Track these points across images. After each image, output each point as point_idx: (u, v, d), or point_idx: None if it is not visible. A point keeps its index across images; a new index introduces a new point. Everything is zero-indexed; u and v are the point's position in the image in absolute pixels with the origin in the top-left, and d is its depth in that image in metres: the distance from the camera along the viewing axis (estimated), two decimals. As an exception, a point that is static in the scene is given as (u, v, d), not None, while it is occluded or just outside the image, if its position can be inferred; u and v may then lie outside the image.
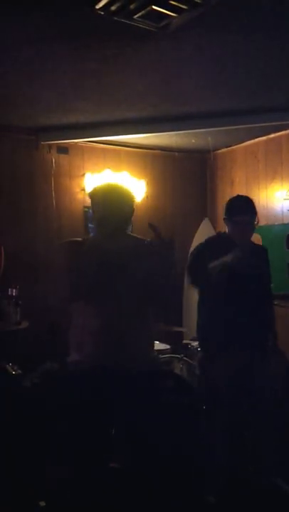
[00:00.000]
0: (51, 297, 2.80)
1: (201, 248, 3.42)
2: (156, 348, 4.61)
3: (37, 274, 4.78)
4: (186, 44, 3.13)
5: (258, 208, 3.33)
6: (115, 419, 2.73)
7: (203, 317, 3.41)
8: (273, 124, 4.76)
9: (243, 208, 3.31)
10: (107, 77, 3.67)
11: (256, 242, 3.69)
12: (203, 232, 5.63)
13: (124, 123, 4.84)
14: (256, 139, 5.55)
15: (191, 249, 5.17)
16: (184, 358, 4.39)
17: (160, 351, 4.56)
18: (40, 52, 3.27)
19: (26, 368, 4.34)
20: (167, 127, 4.85)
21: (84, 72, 3.57)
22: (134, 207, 2.85)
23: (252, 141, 5.62)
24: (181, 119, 4.69)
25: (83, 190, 5.57)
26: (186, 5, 2.55)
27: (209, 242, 3.48)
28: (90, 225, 5.59)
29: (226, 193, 5.61)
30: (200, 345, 3.66)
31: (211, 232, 5.53)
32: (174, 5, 2.55)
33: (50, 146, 5.36)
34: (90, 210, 2.88)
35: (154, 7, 2.56)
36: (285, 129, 5.14)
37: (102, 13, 2.65)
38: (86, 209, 5.60)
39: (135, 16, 2.67)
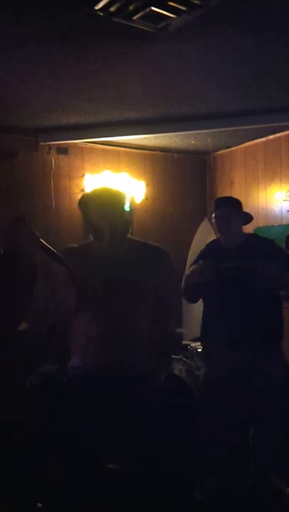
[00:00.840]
0: (57, 307, 2.72)
1: (197, 259, 3.42)
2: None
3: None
4: (185, 45, 3.13)
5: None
6: (114, 425, 2.65)
7: (202, 315, 3.43)
8: (272, 125, 4.77)
9: (219, 202, 3.40)
10: (107, 77, 3.68)
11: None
12: (203, 233, 5.64)
13: (123, 124, 4.84)
14: (256, 141, 5.56)
15: (190, 253, 5.20)
16: (184, 359, 4.39)
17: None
18: (40, 53, 3.27)
19: (25, 370, 4.34)
20: (167, 128, 4.85)
21: (83, 72, 3.58)
22: (130, 207, 2.82)
23: (251, 143, 5.63)
24: (180, 120, 4.69)
25: (83, 191, 5.56)
26: (185, 6, 2.56)
27: (204, 251, 3.50)
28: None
29: (226, 194, 5.60)
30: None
31: (211, 233, 5.53)
32: (173, 6, 2.56)
33: (49, 147, 5.37)
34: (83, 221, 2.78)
35: (153, 8, 2.56)
36: (284, 131, 5.16)
37: (102, 14, 2.65)
38: (86, 210, 5.62)
39: (134, 17, 2.67)
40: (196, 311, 3.53)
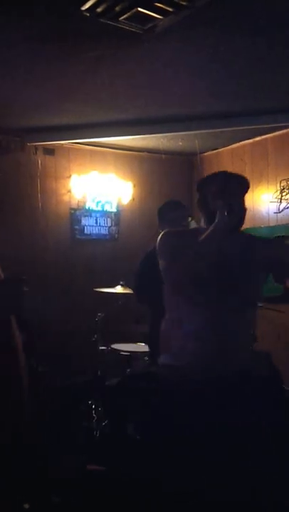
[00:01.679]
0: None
1: None
2: (141, 349, 4.64)
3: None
4: (172, 46, 3.13)
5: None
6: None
7: None
8: (259, 127, 4.78)
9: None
10: (93, 78, 3.66)
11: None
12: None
13: (110, 125, 4.84)
14: (242, 142, 5.57)
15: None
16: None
17: (145, 353, 4.56)
18: (26, 54, 3.26)
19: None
20: (154, 129, 4.85)
21: (70, 73, 3.56)
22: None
23: (238, 144, 5.64)
24: (168, 122, 4.69)
25: (69, 191, 5.56)
26: (171, 7, 2.56)
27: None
28: (75, 226, 5.59)
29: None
30: None
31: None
32: (159, 7, 2.56)
33: (36, 148, 5.34)
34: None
35: (139, 9, 2.57)
36: (271, 132, 5.18)
37: (88, 14, 2.64)
38: (72, 211, 5.60)
39: (121, 18, 2.67)
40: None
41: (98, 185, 5.67)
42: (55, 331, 5.07)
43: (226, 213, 2.25)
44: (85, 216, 5.68)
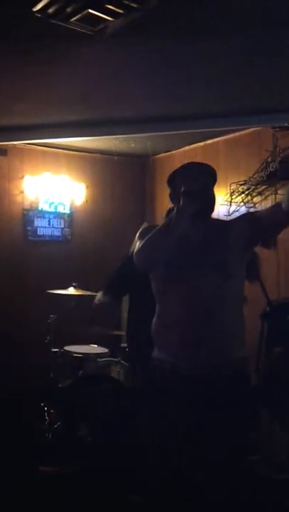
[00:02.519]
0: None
1: None
2: (94, 351, 4.65)
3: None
4: (123, 48, 3.15)
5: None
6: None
7: None
8: (210, 130, 4.85)
9: None
10: (44, 79, 3.65)
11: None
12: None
13: (63, 126, 4.80)
14: (194, 145, 5.63)
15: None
16: (122, 361, 4.40)
17: (98, 355, 4.57)
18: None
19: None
20: (106, 131, 4.85)
21: (21, 73, 3.54)
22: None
23: (190, 147, 5.70)
24: (119, 123, 4.70)
25: (22, 192, 5.51)
26: (122, 9, 2.59)
27: None
28: (28, 227, 5.55)
29: (165, 198, 5.63)
30: None
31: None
32: (110, 9, 2.58)
33: (-13, 148, 5.29)
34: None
35: (90, 11, 2.58)
36: (222, 135, 5.25)
37: (40, 15, 2.64)
38: (25, 212, 5.56)
39: (72, 19, 2.69)
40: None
41: (51, 187, 5.65)
42: (6, 332, 5.02)
43: (186, 196, 2.40)
44: (37, 217, 5.64)
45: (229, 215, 5.03)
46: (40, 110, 4.40)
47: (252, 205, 4.96)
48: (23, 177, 5.51)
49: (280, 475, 3.58)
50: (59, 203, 5.74)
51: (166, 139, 5.35)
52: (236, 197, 5.01)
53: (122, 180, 6.19)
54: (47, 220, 5.70)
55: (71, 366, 4.53)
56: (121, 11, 2.60)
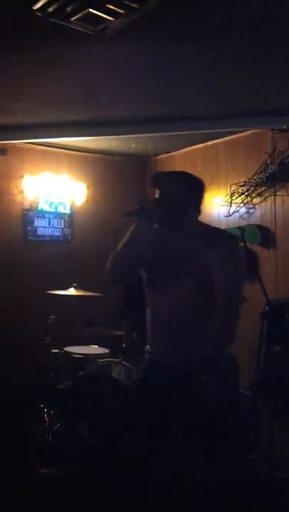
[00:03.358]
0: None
1: None
2: (94, 352, 4.64)
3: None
4: (123, 48, 3.14)
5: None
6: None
7: None
8: (210, 131, 4.85)
9: None
10: (44, 78, 3.64)
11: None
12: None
13: (63, 125, 4.81)
14: (195, 146, 5.64)
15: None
16: (122, 362, 4.39)
17: (98, 355, 4.56)
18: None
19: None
20: (107, 131, 4.85)
21: (21, 72, 3.53)
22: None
23: (190, 148, 5.71)
24: (120, 124, 4.70)
25: (22, 192, 5.51)
26: (123, 9, 2.57)
27: None
28: (28, 227, 5.55)
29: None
30: None
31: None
32: (111, 9, 2.57)
33: (-13, 148, 5.28)
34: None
35: (91, 10, 2.57)
36: (222, 137, 5.26)
37: (39, 14, 2.64)
38: (25, 212, 5.55)
39: (72, 19, 2.67)
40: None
41: (51, 186, 5.64)
42: (6, 332, 5.02)
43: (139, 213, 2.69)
44: (37, 217, 5.64)
45: (229, 216, 5.06)
46: (40, 110, 4.40)
47: (252, 205, 4.98)
48: (22, 176, 5.51)
49: (280, 474, 3.59)
50: (59, 203, 5.73)
51: (167, 140, 5.35)
52: (236, 198, 5.03)
53: (123, 180, 6.19)
54: (47, 220, 5.70)
55: (71, 367, 4.52)
56: (122, 11, 2.59)
